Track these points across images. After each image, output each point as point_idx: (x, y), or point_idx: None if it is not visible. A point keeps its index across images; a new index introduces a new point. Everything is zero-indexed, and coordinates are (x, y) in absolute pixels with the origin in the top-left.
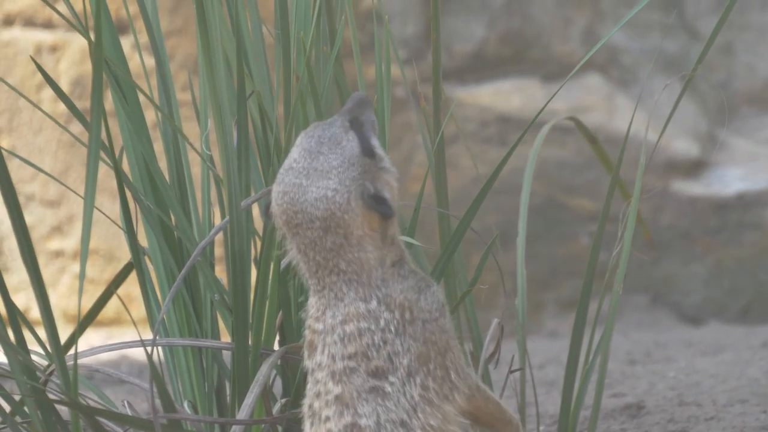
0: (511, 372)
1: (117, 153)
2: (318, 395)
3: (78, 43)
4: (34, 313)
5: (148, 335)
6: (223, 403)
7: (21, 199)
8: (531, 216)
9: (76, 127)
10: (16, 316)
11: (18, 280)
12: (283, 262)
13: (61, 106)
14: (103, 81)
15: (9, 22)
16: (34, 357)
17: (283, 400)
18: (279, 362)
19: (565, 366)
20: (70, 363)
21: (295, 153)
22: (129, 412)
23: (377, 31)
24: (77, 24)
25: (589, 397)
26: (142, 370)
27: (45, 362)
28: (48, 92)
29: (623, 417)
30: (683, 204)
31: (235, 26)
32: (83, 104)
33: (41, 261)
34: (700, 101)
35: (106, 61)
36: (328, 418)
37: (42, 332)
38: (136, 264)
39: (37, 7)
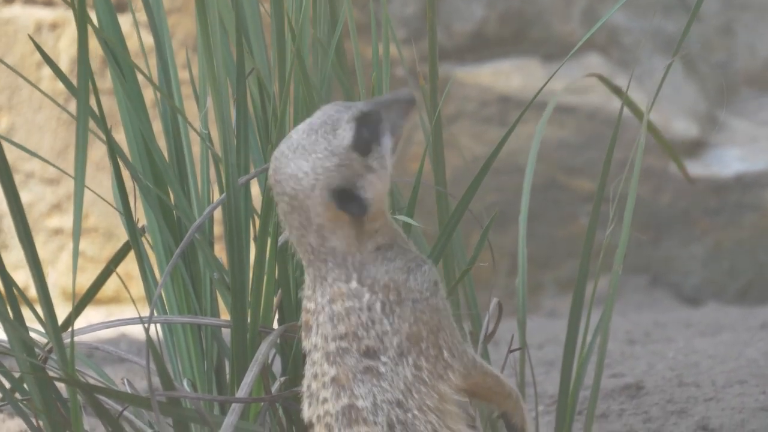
0: (510, 351)
1: (117, 134)
2: (315, 377)
3: None
4: (34, 290)
5: (147, 313)
6: (222, 381)
7: (21, 177)
8: (530, 196)
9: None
10: (14, 293)
11: (17, 257)
12: (281, 239)
13: (62, 84)
14: (101, 61)
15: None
16: (33, 335)
17: (283, 379)
18: (278, 341)
19: (563, 346)
20: (68, 341)
21: (303, 123)
22: (128, 390)
23: (375, 10)
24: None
25: (588, 377)
26: (141, 349)
27: (45, 340)
28: (48, 70)
29: (622, 397)
30: (682, 185)
31: (235, 3)
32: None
33: (41, 239)
34: (700, 82)
35: (104, 40)
36: (326, 400)
37: (41, 310)
38: (133, 242)
39: None
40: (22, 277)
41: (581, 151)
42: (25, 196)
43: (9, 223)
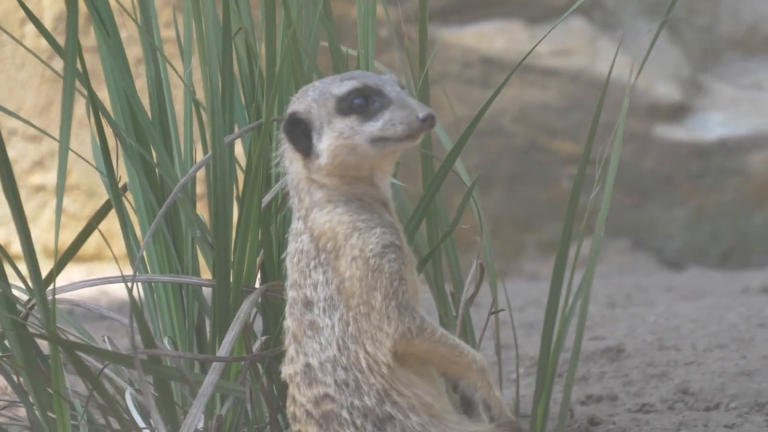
0: (491, 314)
1: (100, 92)
2: (285, 332)
3: None
4: (15, 247)
5: (128, 271)
6: (203, 340)
7: (3, 133)
8: (512, 158)
9: (59, 63)
10: None
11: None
12: (265, 200)
13: (45, 41)
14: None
15: None
16: (14, 291)
17: (264, 338)
18: (260, 300)
19: (544, 308)
20: (50, 298)
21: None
22: (109, 348)
23: None
24: None
25: (569, 339)
26: (121, 307)
27: (26, 297)
28: (32, 27)
29: (603, 360)
30: (665, 149)
31: None
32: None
33: (22, 196)
34: (684, 46)
35: None
36: (291, 359)
37: (23, 267)
38: (114, 200)
39: None
40: (3, 234)
41: (563, 113)
42: (7, 153)
43: None
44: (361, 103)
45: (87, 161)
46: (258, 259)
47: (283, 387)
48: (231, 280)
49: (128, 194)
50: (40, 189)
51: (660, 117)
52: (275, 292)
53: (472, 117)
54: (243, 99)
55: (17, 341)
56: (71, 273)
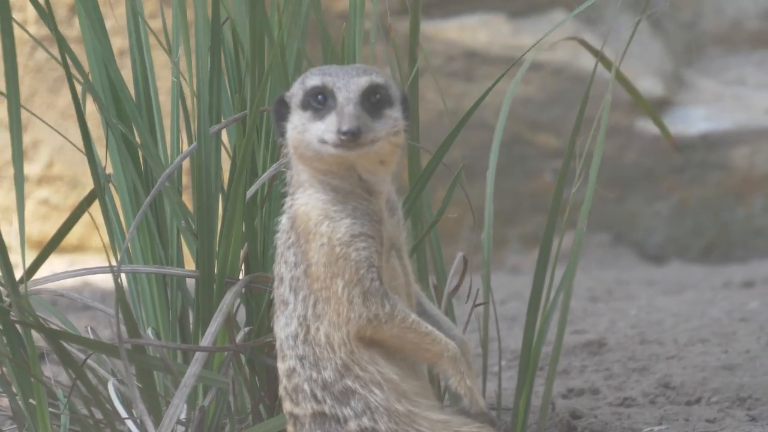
0: (474, 306)
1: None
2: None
3: None
4: None
5: (112, 262)
6: (186, 331)
7: None
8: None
9: (41, 54)
10: None
11: None
12: (250, 192)
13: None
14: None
15: None
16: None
17: (247, 329)
18: (243, 291)
19: (527, 302)
20: (34, 288)
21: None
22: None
23: None
24: None
25: (551, 333)
26: (105, 297)
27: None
28: (17, 16)
29: (584, 353)
30: (647, 143)
31: None
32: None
33: (5, 186)
34: (667, 40)
35: None
36: (277, 333)
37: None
38: (97, 189)
39: None
40: None
41: (546, 107)
42: None
43: None
44: (319, 101)
45: (76, 146)
46: (242, 251)
47: (266, 378)
48: (215, 271)
49: (112, 183)
50: (24, 179)
51: (642, 111)
52: (259, 284)
53: (455, 110)
54: (229, 90)
55: (1, 329)
56: (54, 264)
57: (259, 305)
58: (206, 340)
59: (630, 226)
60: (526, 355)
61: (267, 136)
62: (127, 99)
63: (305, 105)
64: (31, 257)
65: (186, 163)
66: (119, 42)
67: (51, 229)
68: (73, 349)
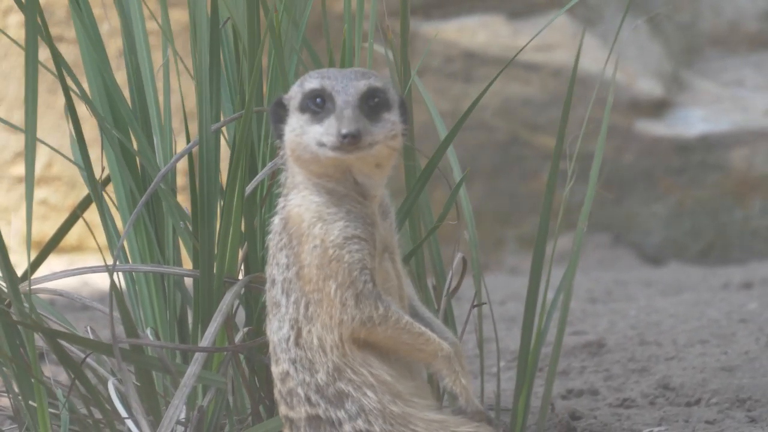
0: (473, 307)
1: (82, 84)
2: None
3: None
4: None
5: (110, 262)
6: (184, 331)
7: None
8: (494, 152)
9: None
10: None
11: None
12: (248, 190)
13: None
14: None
15: None
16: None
17: (246, 329)
18: (242, 291)
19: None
20: (33, 287)
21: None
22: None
23: None
24: None
25: (550, 334)
26: (103, 298)
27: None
28: (14, 18)
29: (584, 354)
30: (646, 144)
31: None
32: (51, 31)
33: (4, 186)
34: (665, 42)
35: None
36: (269, 336)
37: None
38: (92, 191)
39: None
40: None
41: (545, 108)
42: None
43: None
44: (317, 104)
45: (65, 156)
46: (241, 251)
47: (266, 378)
48: (214, 271)
49: (109, 186)
50: (22, 180)
51: (641, 112)
52: (258, 284)
53: (453, 111)
54: (229, 89)
55: (2, 329)
56: (52, 264)
57: (258, 305)
58: (205, 341)
59: (628, 227)
60: (524, 356)
61: (267, 133)
62: (123, 103)
63: (303, 108)
64: (31, 256)
65: (181, 164)
66: (119, 42)
67: (50, 229)
68: (72, 349)
